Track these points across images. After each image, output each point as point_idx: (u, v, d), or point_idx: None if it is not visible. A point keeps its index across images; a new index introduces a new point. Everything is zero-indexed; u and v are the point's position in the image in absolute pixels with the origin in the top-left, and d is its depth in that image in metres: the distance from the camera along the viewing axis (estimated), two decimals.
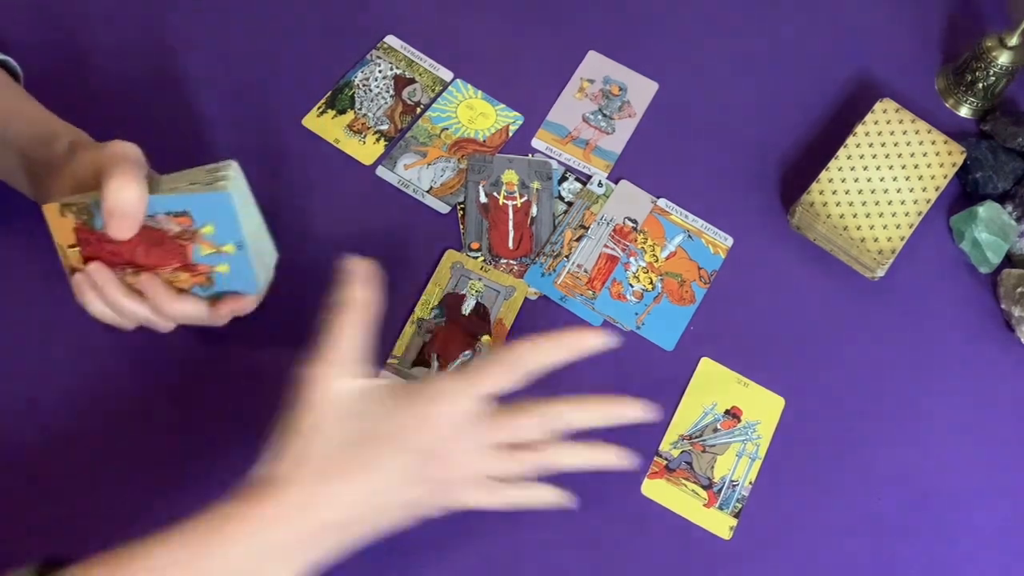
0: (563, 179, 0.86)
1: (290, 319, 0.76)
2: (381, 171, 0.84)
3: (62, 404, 0.71)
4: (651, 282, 0.82)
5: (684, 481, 0.75)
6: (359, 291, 0.60)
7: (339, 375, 0.58)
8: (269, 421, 0.67)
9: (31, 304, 0.75)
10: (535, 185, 0.85)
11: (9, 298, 0.75)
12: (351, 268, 0.61)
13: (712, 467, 0.76)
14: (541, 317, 0.80)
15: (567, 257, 0.82)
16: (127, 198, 0.58)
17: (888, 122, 0.87)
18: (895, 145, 0.86)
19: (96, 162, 0.61)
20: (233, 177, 0.61)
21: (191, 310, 0.64)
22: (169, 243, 0.62)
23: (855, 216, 0.83)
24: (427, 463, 0.56)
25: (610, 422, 0.61)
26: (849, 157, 0.86)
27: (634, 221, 0.85)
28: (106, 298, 0.63)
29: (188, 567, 0.53)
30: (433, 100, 0.88)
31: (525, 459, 0.60)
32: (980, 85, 0.91)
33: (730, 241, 0.85)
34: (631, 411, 0.61)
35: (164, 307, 0.63)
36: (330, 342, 0.59)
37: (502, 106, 0.89)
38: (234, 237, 0.62)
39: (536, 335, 0.59)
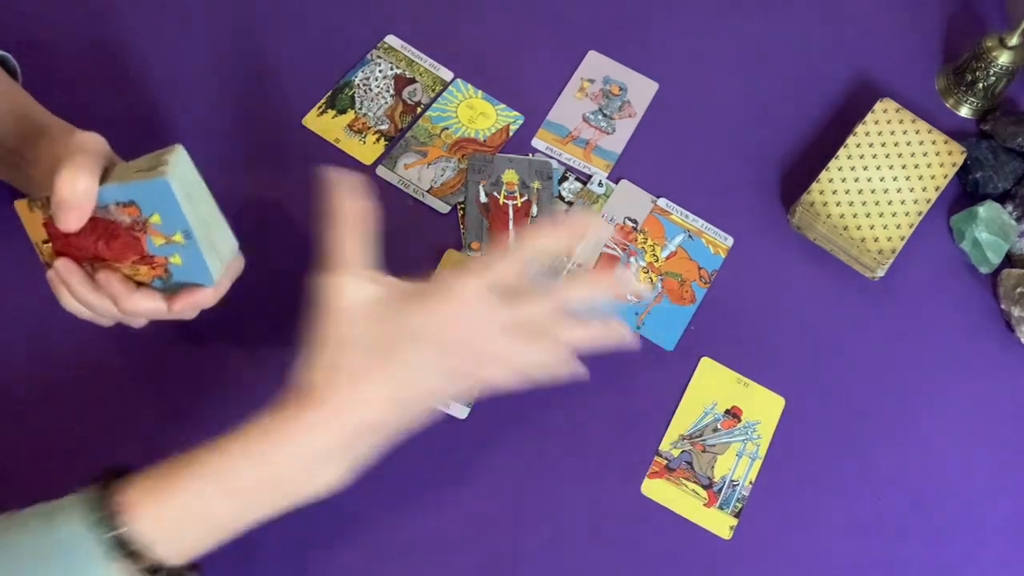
0: (563, 179, 0.86)
1: (290, 319, 0.76)
2: (381, 171, 0.84)
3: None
4: (651, 282, 0.82)
5: (684, 481, 0.75)
6: (349, 202, 0.61)
7: (353, 282, 0.59)
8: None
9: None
10: (535, 185, 0.85)
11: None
12: (336, 180, 0.62)
13: (712, 467, 0.76)
14: None
15: (567, 257, 0.82)
16: (70, 189, 0.58)
17: (888, 122, 0.87)
18: (895, 145, 0.86)
19: (57, 154, 0.60)
20: (174, 162, 0.59)
21: (149, 305, 0.63)
22: (124, 235, 0.61)
23: (855, 216, 0.83)
24: (448, 355, 0.58)
25: (610, 294, 0.63)
26: (849, 157, 0.86)
27: (634, 221, 0.85)
28: (74, 294, 0.63)
29: (241, 474, 0.55)
30: (433, 100, 0.88)
31: (538, 336, 0.60)
32: (980, 85, 0.91)
33: (730, 241, 0.85)
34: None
35: (122, 302, 0.63)
36: (336, 252, 0.60)
37: (502, 106, 0.89)
38: (180, 225, 0.60)
39: (543, 225, 0.60)
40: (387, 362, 0.57)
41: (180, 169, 0.59)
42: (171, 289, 0.63)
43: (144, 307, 0.63)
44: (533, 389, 0.77)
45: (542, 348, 0.61)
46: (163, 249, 0.61)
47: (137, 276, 0.63)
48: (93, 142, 0.60)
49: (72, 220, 0.59)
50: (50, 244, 0.62)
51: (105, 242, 0.61)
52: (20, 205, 0.61)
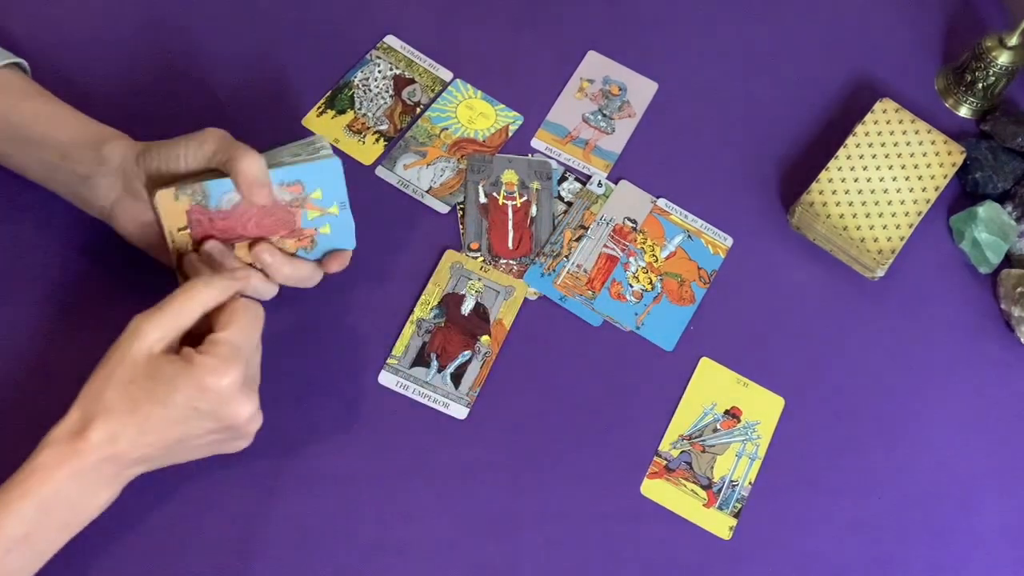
0: (563, 179, 0.86)
1: (290, 317, 0.76)
2: (381, 171, 0.84)
3: None
4: (651, 282, 0.82)
5: (684, 481, 0.75)
6: (236, 281, 0.65)
7: (156, 337, 0.61)
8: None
9: None
10: (535, 185, 0.85)
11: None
12: (263, 260, 0.70)
13: (712, 467, 0.76)
14: (541, 317, 0.80)
15: (567, 257, 0.82)
16: (259, 168, 0.66)
17: (888, 122, 0.87)
18: (895, 145, 0.86)
19: (204, 147, 0.67)
20: (330, 147, 0.70)
21: (304, 271, 0.72)
22: (280, 211, 0.69)
23: (855, 216, 0.83)
24: (215, 429, 0.63)
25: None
26: (849, 157, 0.86)
27: (634, 221, 0.85)
28: (226, 268, 0.69)
29: (12, 523, 0.58)
30: (433, 100, 0.88)
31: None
32: (980, 85, 0.91)
33: (730, 241, 0.85)
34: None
35: (281, 270, 0.71)
36: (168, 306, 0.62)
37: (502, 106, 0.89)
38: (339, 198, 0.71)
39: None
40: (151, 416, 0.60)
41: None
42: (313, 257, 0.73)
43: (301, 274, 0.72)
44: (533, 390, 0.77)
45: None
46: (315, 221, 0.71)
47: (283, 249, 0.71)
48: (227, 136, 0.69)
49: (265, 195, 0.66)
50: (187, 231, 0.68)
51: (258, 220, 0.69)
52: (163, 195, 0.66)
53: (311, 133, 0.85)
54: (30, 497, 0.58)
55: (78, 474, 0.59)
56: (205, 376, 0.60)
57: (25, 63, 0.77)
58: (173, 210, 0.66)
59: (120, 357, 0.60)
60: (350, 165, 0.84)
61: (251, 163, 0.65)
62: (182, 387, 0.60)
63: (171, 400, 0.60)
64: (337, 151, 0.85)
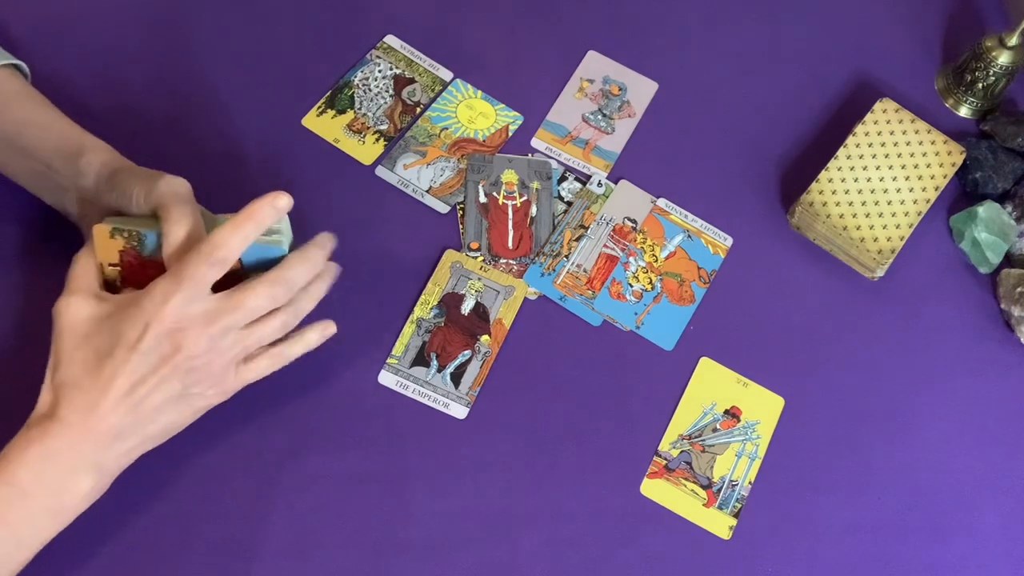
0: (563, 179, 0.86)
1: None
2: (381, 171, 0.84)
3: None
4: (650, 282, 0.82)
5: (683, 481, 0.75)
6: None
7: (75, 301, 0.62)
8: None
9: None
10: (535, 185, 0.85)
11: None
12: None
13: (711, 467, 0.76)
14: (540, 317, 0.80)
15: (566, 257, 0.82)
16: (184, 239, 0.63)
17: (888, 122, 0.87)
18: (895, 145, 0.86)
19: (152, 197, 0.65)
20: (285, 231, 0.67)
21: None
22: None
23: (855, 216, 0.83)
24: (166, 362, 0.61)
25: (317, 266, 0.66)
26: (849, 157, 0.86)
27: (633, 221, 0.85)
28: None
29: None
30: (433, 100, 0.88)
31: (272, 323, 0.65)
32: (980, 85, 0.91)
33: (730, 241, 0.85)
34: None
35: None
36: (69, 275, 0.64)
37: (502, 106, 0.89)
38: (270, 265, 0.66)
39: (231, 223, 0.61)
40: (102, 370, 0.60)
41: (287, 234, 0.67)
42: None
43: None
44: (533, 390, 0.77)
45: (284, 345, 0.67)
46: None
47: None
48: (185, 190, 0.66)
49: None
50: (118, 268, 0.66)
51: None
52: (100, 230, 0.65)
53: (311, 134, 0.85)
54: (4, 479, 0.59)
55: (53, 454, 0.60)
56: (137, 308, 0.60)
57: (24, 66, 0.77)
58: (107, 246, 0.65)
59: (61, 336, 0.62)
60: (350, 165, 0.84)
61: (178, 232, 0.63)
62: (115, 327, 0.60)
63: (114, 346, 0.60)
64: (336, 151, 0.85)
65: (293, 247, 0.67)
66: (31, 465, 0.59)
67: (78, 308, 0.62)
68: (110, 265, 0.66)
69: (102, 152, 0.70)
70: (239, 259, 0.64)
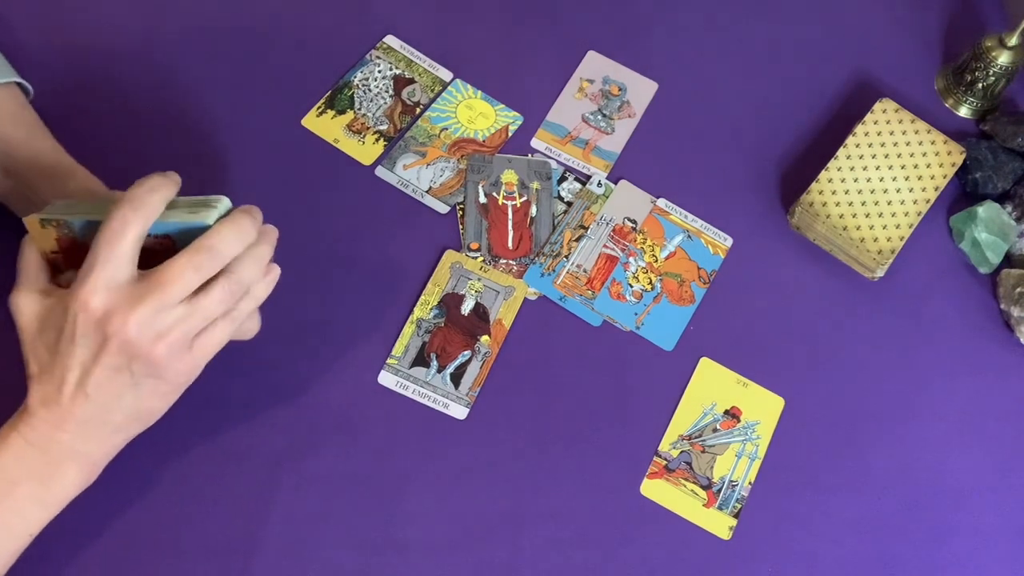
0: (562, 179, 0.86)
1: (289, 317, 0.76)
2: (380, 171, 0.84)
3: None
4: (650, 282, 0.82)
5: (683, 481, 0.75)
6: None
7: (25, 297, 0.62)
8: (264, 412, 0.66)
9: None
10: (534, 185, 0.85)
11: None
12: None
13: (711, 467, 0.76)
14: (540, 317, 0.80)
15: (566, 257, 0.82)
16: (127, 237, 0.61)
17: (888, 122, 0.87)
18: (895, 145, 0.86)
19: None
20: (220, 209, 0.63)
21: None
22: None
23: (855, 216, 0.83)
24: (103, 349, 0.59)
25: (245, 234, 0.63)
26: (849, 157, 0.86)
27: (633, 221, 0.85)
28: None
29: None
30: (432, 100, 0.88)
31: (213, 294, 0.61)
32: (980, 85, 0.91)
33: (730, 241, 0.85)
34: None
35: None
36: (20, 273, 0.64)
37: (501, 106, 0.89)
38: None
39: (124, 197, 0.60)
40: (53, 365, 0.60)
41: (221, 212, 0.63)
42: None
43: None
44: (533, 390, 0.77)
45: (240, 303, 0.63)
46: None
47: None
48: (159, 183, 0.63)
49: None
50: (59, 255, 0.65)
51: None
52: (31, 221, 0.64)
53: (311, 135, 0.85)
54: None
55: (33, 444, 0.60)
56: (68, 302, 0.59)
57: (28, 85, 0.77)
58: (42, 236, 0.65)
59: (21, 332, 0.62)
60: (350, 165, 0.84)
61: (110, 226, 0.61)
62: (56, 321, 0.60)
63: (58, 341, 0.60)
64: (336, 151, 0.85)
65: None
66: (13, 452, 0.60)
67: (26, 305, 0.62)
68: (52, 252, 0.66)
69: (86, 180, 0.71)
70: (174, 241, 0.62)
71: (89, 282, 0.58)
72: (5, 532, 0.61)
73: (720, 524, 0.74)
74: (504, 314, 0.79)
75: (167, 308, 0.59)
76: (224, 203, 0.64)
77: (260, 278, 0.64)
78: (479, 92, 0.89)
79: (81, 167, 0.72)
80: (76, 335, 0.59)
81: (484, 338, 0.78)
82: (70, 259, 0.66)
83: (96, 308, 0.58)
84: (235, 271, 0.62)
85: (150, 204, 0.60)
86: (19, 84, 0.76)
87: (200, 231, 0.62)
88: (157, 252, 0.62)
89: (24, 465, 0.60)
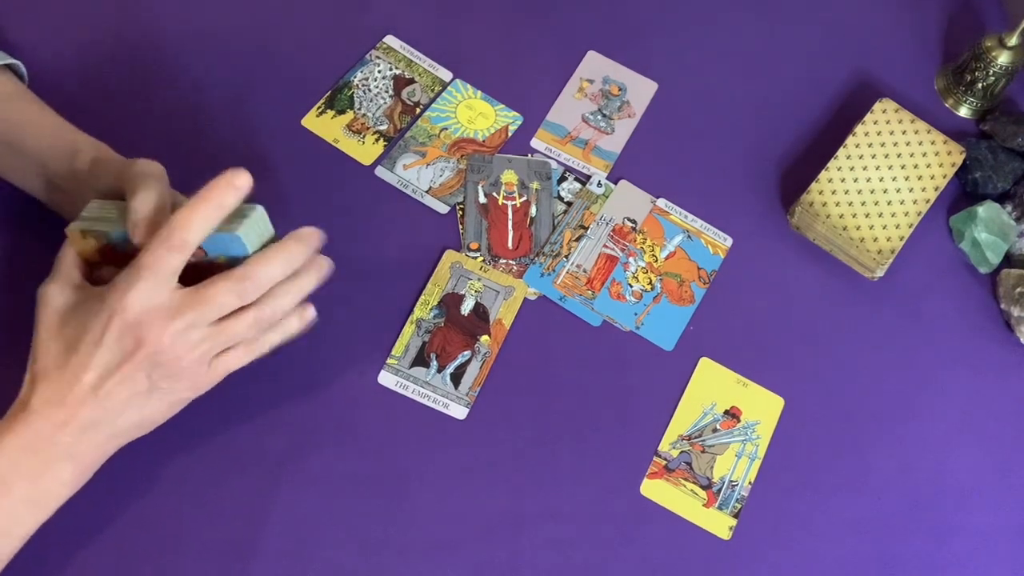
0: (562, 179, 0.86)
1: None
2: (380, 171, 0.84)
3: None
4: (650, 282, 0.82)
5: (683, 481, 0.75)
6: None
7: (55, 289, 0.62)
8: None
9: None
10: (534, 185, 0.85)
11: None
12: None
13: (711, 467, 0.76)
14: (540, 317, 0.80)
15: (566, 257, 0.82)
16: (147, 209, 0.62)
17: (888, 122, 0.87)
18: (895, 145, 0.86)
19: (120, 176, 0.64)
20: (253, 219, 0.63)
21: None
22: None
23: (855, 216, 0.83)
24: (130, 357, 0.59)
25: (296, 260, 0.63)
26: (848, 157, 0.86)
27: (633, 221, 0.85)
28: None
29: None
30: (432, 100, 0.88)
31: (244, 320, 0.62)
32: (980, 85, 0.91)
33: (729, 241, 0.85)
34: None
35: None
36: (56, 266, 0.64)
37: (501, 106, 0.89)
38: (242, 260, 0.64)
39: (189, 207, 0.59)
40: (69, 363, 0.60)
41: (253, 224, 0.63)
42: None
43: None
44: (533, 390, 0.77)
45: (267, 333, 0.64)
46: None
47: None
48: (156, 169, 0.64)
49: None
50: (100, 260, 0.66)
51: None
52: (72, 232, 0.65)
53: (311, 135, 0.85)
54: None
55: (28, 443, 0.60)
56: (103, 301, 0.59)
57: (21, 66, 0.77)
58: (83, 245, 0.65)
59: (40, 325, 0.61)
60: (350, 165, 0.84)
61: (141, 206, 0.62)
62: (83, 319, 0.60)
63: (80, 340, 0.59)
64: (336, 151, 0.85)
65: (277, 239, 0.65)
66: (8, 453, 0.59)
67: (54, 296, 0.62)
68: (94, 261, 0.66)
69: (95, 151, 0.70)
70: (205, 251, 0.62)
71: (134, 289, 0.58)
72: None
73: (720, 524, 0.74)
74: (504, 314, 0.79)
75: (200, 325, 0.60)
76: (257, 212, 0.63)
77: (293, 311, 0.65)
78: (479, 92, 0.89)
79: (92, 139, 0.72)
80: (105, 337, 0.59)
81: (484, 338, 0.78)
82: (109, 261, 0.66)
83: (135, 314, 0.58)
84: (270, 303, 0.62)
85: (200, 227, 0.59)
86: (12, 68, 0.76)
87: (231, 243, 0.62)
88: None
89: (18, 466, 0.60)
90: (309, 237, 0.64)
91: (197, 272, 0.62)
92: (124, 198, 0.64)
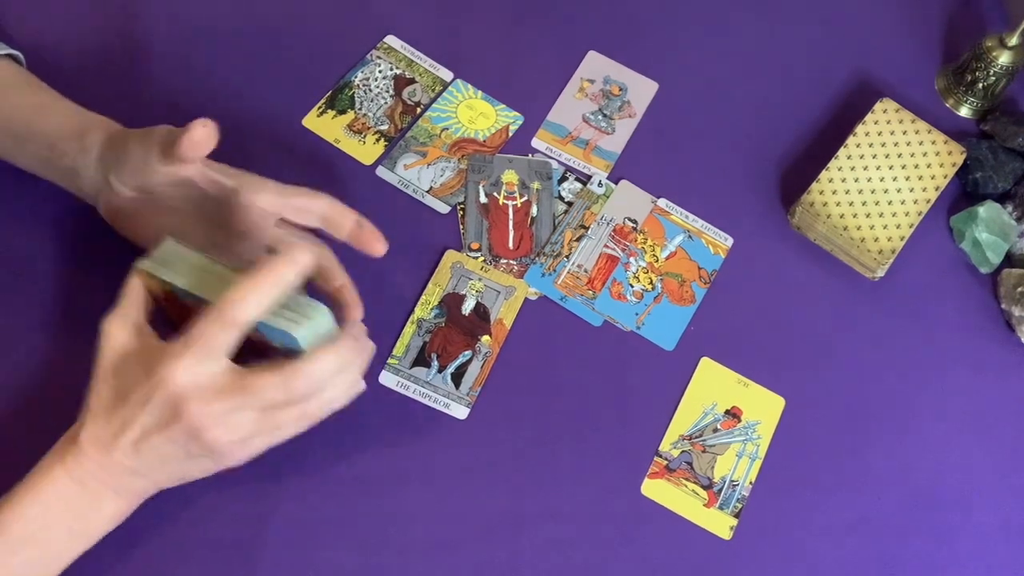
0: (563, 179, 0.86)
1: None
2: (381, 171, 0.84)
3: None
4: (651, 282, 0.82)
5: (684, 481, 0.75)
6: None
7: (116, 330, 0.61)
8: None
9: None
10: (535, 185, 0.85)
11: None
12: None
13: (712, 467, 0.76)
14: (541, 317, 0.80)
15: (567, 257, 0.82)
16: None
17: (888, 122, 0.87)
18: (895, 145, 0.86)
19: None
20: (315, 321, 0.62)
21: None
22: None
23: (855, 216, 0.83)
24: (169, 426, 0.59)
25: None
26: (849, 157, 0.86)
27: (634, 221, 0.85)
28: None
29: (19, 518, 0.59)
30: (433, 100, 0.88)
31: (290, 413, 0.61)
32: (980, 85, 0.91)
33: (730, 241, 0.85)
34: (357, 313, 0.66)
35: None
36: (122, 300, 0.63)
37: (502, 106, 0.89)
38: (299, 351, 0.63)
39: (246, 282, 0.58)
40: (117, 413, 0.59)
41: (314, 327, 0.62)
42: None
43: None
44: (534, 390, 0.77)
45: (308, 412, 0.62)
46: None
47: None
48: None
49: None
50: (165, 305, 0.66)
51: None
52: (139, 271, 0.64)
53: (312, 135, 0.85)
54: (31, 498, 0.59)
55: (76, 478, 0.60)
56: (154, 361, 0.58)
57: (20, 56, 0.77)
58: (150, 282, 0.65)
59: (100, 360, 0.61)
60: (350, 165, 0.84)
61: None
62: (136, 373, 0.59)
63: (130, 395, 0.59)
64: (337, 151, 0.85)
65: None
66: (57, 487, 0.60)
67: (116, 336, 0.61)
68: (158, 300, 0.66)
69: (104, 127, 0.70)
70: (261, 333, 0.61)
71: (183, 361, 0.57)
72: (41, 565, 0.60)
73: (721, 524, 0.74)
74: (505, 314, 0.79)
75: (244, 411, 0.59)
76: (322, 316, 0.62)
77: (343, 396, 0.63)
78: (480, 92, 0.89)
79: (100, 117, 0.71)
80: (149, 402, 0.58)
81: (485, 338, 0.78)
82: (173, 310, 0.66)
83: (179, 389, 0.57)
84: (318, 397, 0.61)
85: (256, 306, 0.58)
86: (13, 57, 0.76)
87: (287, 339, 0.61)
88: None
89: (65, 499, 0.60)
90: (357, 331, 0.64)
91: (253, 344, 0.61)
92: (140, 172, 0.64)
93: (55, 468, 0.60)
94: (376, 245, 0.69)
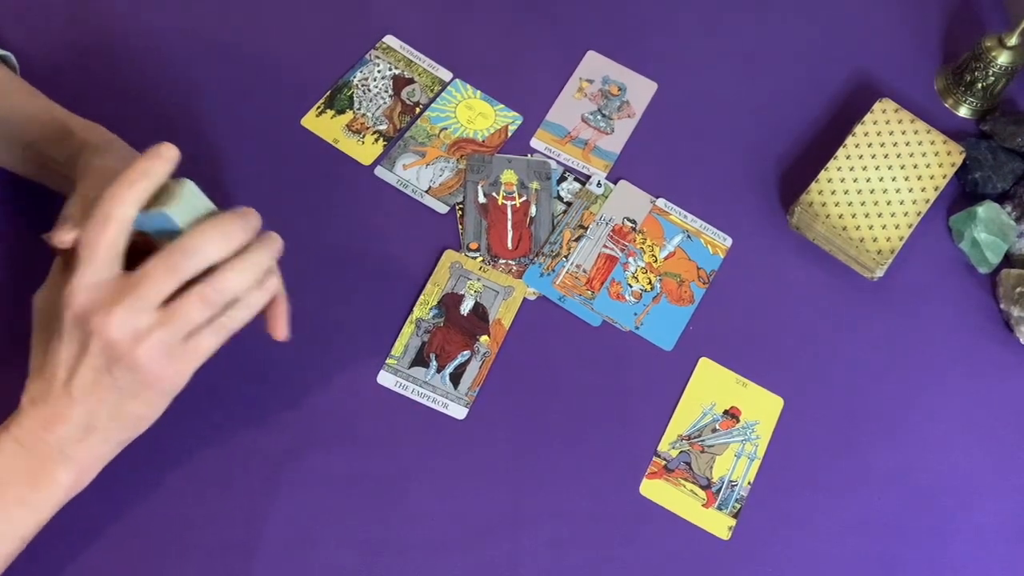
0: (562, 179, 0.86)
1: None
2: (380, 171, 0.84)
3: None
4: (650, 282, 0.82)
5: (683, 481, 0.75)
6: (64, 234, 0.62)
7: (40, 292, 0.63)
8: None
9: None
10: (534, 185, 0.85)
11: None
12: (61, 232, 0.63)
13: (711, 467, 0.76)
14: (540, 317, 0.80)
15: (566, 257, 0.82)
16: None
17: (887, 122, 0.87)
18: (894, 145, 0.86)
19: (114, 166, 0.63)
20: (180, 195, 0.60)
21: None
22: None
23: (854, 216, 0.83)
24: (85, 347, 0.58)
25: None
26: (848, 157, 0.86)
27: (633, 221, 0.85)
28: None
29: None
30: (432, 100, 0.88)
31: (189, 299, 0.58)
32: (979, 85, 0.91)
33: (729, 241, 0.85)
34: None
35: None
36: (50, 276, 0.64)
37: (501, 106, 0.89)
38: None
39: (118, 179, 0.57)
40: (45, 360, 0.60)
41: (183, 202, 0.60)
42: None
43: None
44: (532, 390, 0.77)
45: (234, 311, 0.60)
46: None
47: None
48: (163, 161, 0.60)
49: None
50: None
51: None
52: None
53: (311, 134, 0.85)
54: None
55: (22, 443, 0.59)
56: (60, 298, 0.58)
57: (12, 58, 0.77)
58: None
59: (33, 329, 0.62)
60: (349, 165, 0.84)
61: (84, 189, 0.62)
62: (53, 315, 0.59)
63: (51, 338, 0.59)
64: (336, 151, 0.85)
65: None
66: (5, 455, 0.59)
67: (36, 300, 0.62)
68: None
69: (88, 132, 0.70)
70: (148, 234, 0.60)
71: (74, 280, 0.57)
72: None
73: (719, 524, 0.74)
74: (503, 314, 0.79)
75: (145, 310, 0.57)
76: (186, 188, 0.60)
77: (253, 286, 0.60)
78: (479, 92, 0.89)
79: (86, 122, 0.71)
80: (63, 332, 0.58)
81: (483, 338, 0.78)
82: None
83: (78, 305, 0.57)
84: (217, 278, 0.58)
85: (129, 200, 0.57)
86: (4, 59, 0.76)
87: (163, 221, 0.59)
88: (142, 250, 0.60)
89: (13, 466, 0.60)
90: (247, 213, 0.60)
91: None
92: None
93: (4, 437, 0.60)
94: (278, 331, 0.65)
